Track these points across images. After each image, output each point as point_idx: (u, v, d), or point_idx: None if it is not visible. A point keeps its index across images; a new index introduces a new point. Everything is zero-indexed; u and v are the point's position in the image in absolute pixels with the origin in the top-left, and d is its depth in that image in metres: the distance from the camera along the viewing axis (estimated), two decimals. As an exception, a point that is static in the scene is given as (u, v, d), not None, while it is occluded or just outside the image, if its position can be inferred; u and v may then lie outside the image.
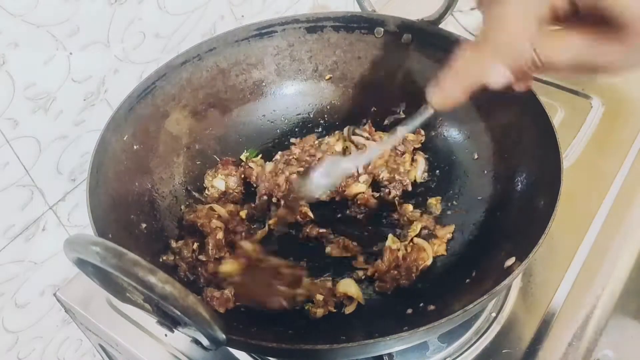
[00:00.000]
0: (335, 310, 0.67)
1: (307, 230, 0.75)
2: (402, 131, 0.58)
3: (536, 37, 0.43)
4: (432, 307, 0.64)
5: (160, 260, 0.70)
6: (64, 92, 0.72)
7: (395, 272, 0.69)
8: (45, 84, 0.69)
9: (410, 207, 0.76)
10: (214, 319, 0.44)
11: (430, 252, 0.71)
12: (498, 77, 0.45)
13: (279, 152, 0.83)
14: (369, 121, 0.85)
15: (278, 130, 0.88)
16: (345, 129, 0.84)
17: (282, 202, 0.77)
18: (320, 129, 0.88)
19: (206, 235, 0.71)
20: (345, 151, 0.82)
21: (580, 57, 0.42)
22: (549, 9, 0.42)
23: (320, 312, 0.66)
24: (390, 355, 0.66)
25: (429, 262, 0.70)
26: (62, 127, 0.74)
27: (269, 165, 0.81)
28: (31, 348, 0.84)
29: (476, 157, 0.78)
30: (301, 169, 0.78)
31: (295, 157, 0.80)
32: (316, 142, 0.83)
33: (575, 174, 0.84)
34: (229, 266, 0.68)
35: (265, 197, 0.78)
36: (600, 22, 0.40)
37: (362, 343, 0.52)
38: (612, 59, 0.42)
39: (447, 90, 0.49)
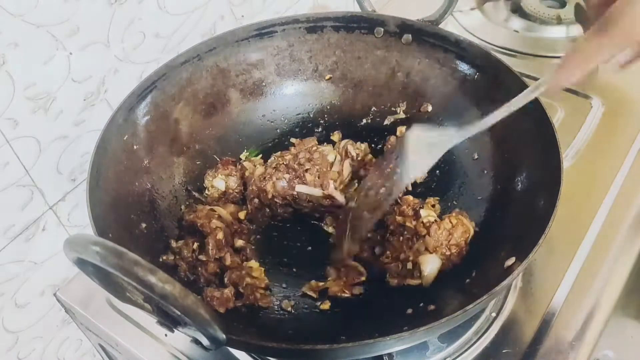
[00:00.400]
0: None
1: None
2: (504, 110, 0.59)
3: None
4: (432, 307, 0.64)
5: (160, 260, 0.70)
6: (64, 92, 0.72)
7: (447, 250, 0.68)
8: (45, 84, 0.69)
9: (410, 197, 0.76)
10: (214, 318, 0.44)
11: (469, 222, 0.70)
12: (622, 57, 0.55)
13: (274, 155, 0.82)
14: (367, 142, 0.84)
15: (278, 130, 0.88)
16: (343, 143, 0.83)
17: (275, 206, 0.77)
18: (320, 129, 0.88)
19: (206, 236, 0.71)
20: (335, 162, 0.81)
21: None
22: None
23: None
24: (390, 355, 0.66)
25: (472, 232, 0.70)
26: (62, 127, 0.74)
27: (259, 169, 0.80)
28: (31, 348, 0.84)
29: (476, 157, 0.78)
30: (287, 176, 0.77)
31: (285, 163, 0.79)
32: (313, 147, 0.82)
33: (575, 174, 0.84)
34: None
35: (256, 200, 0.77)
36: None
37: (362, 343, 0.52)
38: None
39: (571, 70, 0.54)
